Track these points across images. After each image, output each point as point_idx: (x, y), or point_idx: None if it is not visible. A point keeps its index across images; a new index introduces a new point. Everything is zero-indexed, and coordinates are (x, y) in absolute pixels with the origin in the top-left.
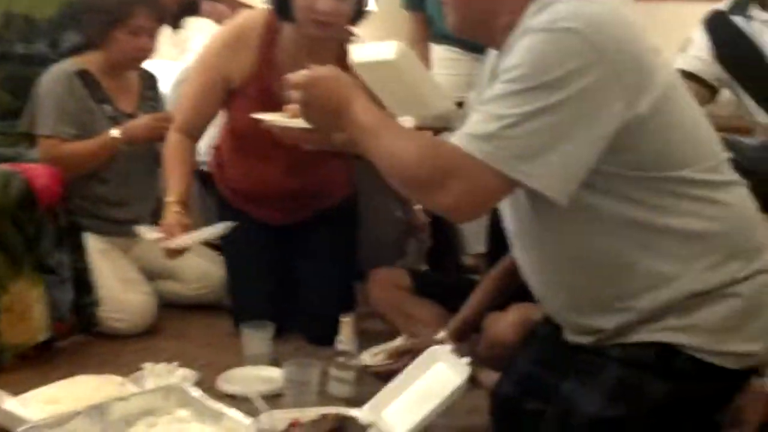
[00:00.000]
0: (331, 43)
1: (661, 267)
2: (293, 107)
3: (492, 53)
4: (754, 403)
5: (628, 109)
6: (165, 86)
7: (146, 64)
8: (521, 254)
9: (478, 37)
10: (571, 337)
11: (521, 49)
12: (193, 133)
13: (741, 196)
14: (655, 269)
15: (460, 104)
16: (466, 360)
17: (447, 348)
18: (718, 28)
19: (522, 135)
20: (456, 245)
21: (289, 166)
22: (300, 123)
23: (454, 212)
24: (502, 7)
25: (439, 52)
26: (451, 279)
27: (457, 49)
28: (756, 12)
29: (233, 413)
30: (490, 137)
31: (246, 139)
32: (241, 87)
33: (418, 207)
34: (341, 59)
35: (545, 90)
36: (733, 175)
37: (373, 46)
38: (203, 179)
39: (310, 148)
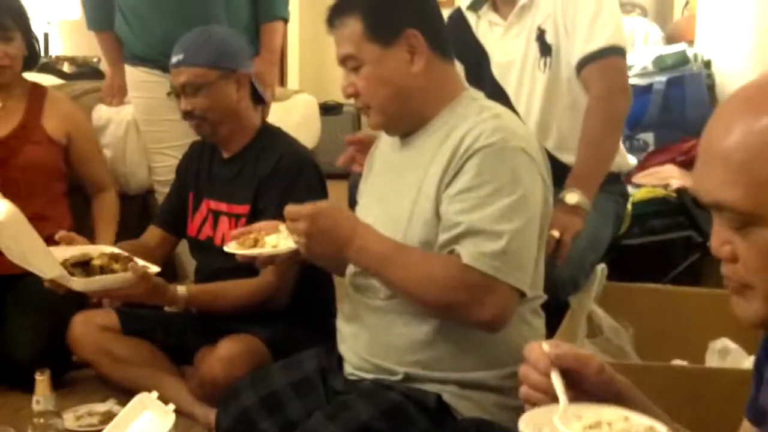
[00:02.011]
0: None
1: (479, 358)
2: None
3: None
4: None
5: None
6: None
7: None
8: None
9: (399, 131)
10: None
11: (487, 165)
12: None
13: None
14: (474, 360)
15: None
16: (171, 407)
17: (154, 395)
18: (454, 22)
19: (518, 249)
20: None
21: None
22: (283, 249)
23: (493, 324)
24: (426, 105)
25: (133, 73)
26: (161, 311)
27: (153, 71)
28: (486, 11)
29: None
30: (495, 255)
31: None
32: None
33: None
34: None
35: (523, 203)
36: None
37: None
38: None
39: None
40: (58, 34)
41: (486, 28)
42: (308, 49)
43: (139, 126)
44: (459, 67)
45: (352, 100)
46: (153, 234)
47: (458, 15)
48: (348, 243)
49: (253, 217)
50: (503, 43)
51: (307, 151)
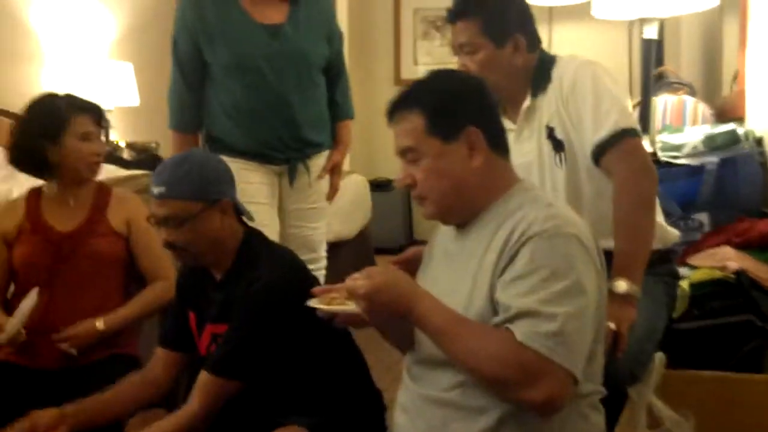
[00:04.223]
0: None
1: None
2: (342, 288)
3: None
4: None
5: None
6: None
7: None
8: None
9: (453, 221)
10: None
11: (541, 251)
12: None
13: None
14: None
15: None
16: None
17: None
18: None
19: (573, 333)
20: None
21: None
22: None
23: (546, 407)
24: (481, 197)
25: (232, 165)
26: None
27: (250, 162)
28: None
29: None
30: (550, 335)
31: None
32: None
33: None
34: (97, 199)
35: (577, 288)
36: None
37: None
38: None
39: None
40: (117, 121)
41: None
42: (359, 130)
43: None
44: None
45: None
46: (159, 357)
47: None
48: (409, 314)
49: None
50: (518, 146)
51: (282, 277)
